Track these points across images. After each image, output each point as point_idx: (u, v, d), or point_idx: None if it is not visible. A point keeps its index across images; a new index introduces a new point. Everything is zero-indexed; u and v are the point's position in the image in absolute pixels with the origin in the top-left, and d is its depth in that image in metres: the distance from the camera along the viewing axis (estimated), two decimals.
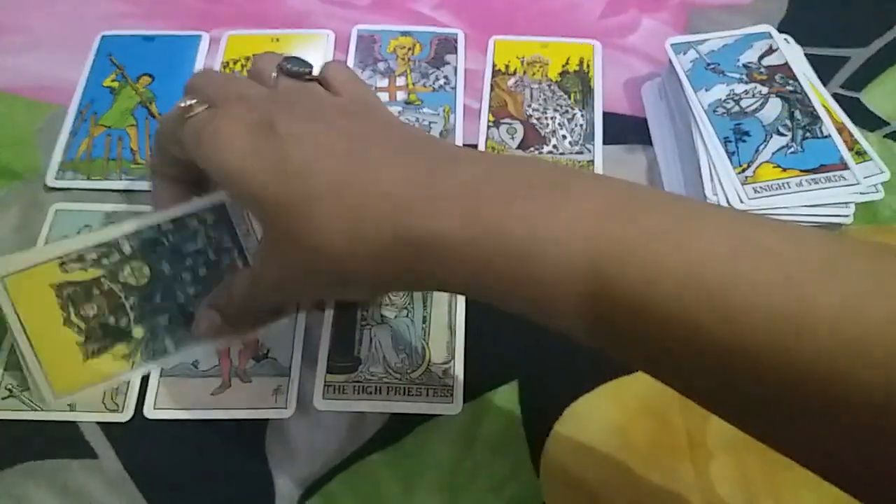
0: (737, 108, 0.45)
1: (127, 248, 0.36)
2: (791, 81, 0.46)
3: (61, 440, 0.38)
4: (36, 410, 0.38)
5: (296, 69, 0.35)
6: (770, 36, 0.48)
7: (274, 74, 0.35)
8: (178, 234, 0.37)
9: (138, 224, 0.37)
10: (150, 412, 0.38)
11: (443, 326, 0.41)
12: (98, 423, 0.38)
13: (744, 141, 0.43)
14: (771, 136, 0.43)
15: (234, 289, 0.36)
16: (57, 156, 0.47)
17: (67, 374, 0.37)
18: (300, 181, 0.29)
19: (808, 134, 0.44)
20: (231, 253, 0.38)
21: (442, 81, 0.52)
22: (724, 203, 0.41)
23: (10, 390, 0.39)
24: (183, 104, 0.34)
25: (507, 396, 0.39)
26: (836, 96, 0.49)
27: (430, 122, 0.49)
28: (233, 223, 0.38)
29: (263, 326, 0.40)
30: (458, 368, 0.40)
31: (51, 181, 0.46)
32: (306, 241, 0.29)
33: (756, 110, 0.45)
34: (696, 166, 0.43)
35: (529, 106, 0.50)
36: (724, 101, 0.45)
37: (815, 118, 0.44)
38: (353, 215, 0.28)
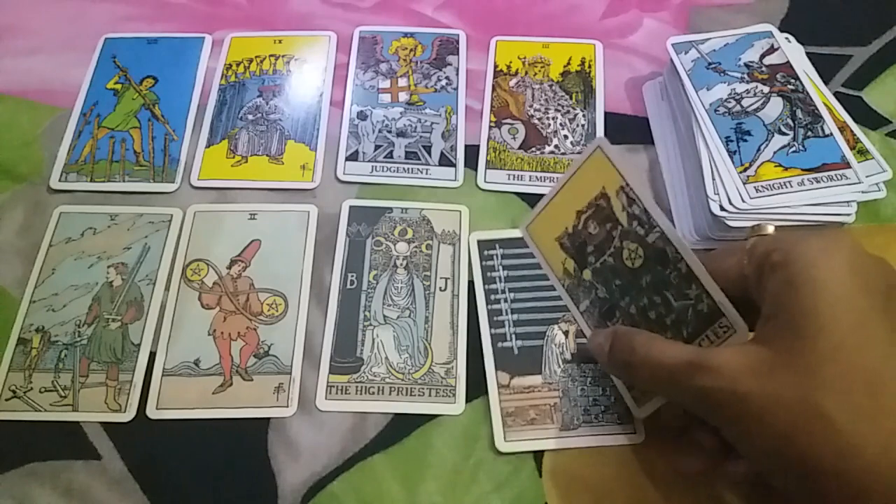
0: (738, 108, 0.45)
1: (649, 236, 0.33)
2: (792, 80, 0.46)
3: (64, 441, 0.38)
4: (39, 411, 0.39)
5: None
6: (771, 35, 0.48)
7: None
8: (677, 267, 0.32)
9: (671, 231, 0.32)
10: (152, 412, 0.39)
11: (445, 326, 0.41)
12: (101, 423, 0.39)
13: (745, 140, 0.43)
14: (772, 135, 0.43)
15: (660, 351, 0.30)
16: (61, 158, 0.48)
17: None
18: None
19: (809, 133, 0.43)
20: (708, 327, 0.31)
21: (444, 82, 0.52)
22: (725, 202, 0.41)
23: (13, 391, 0.39)
24: None
25: None
26: (837, 95, 0.49)
27: (431, 123, 0.50)
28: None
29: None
30: (461, 368, 0.40)
31: (54, 183, 0.47)
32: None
33: (757, 109, 0.45)
34: (698, 165, 0.43)
35: (531, 106, 0.50)
36: (726, 100, 0.45)
37: (817, 117, 0.44)
38: None
